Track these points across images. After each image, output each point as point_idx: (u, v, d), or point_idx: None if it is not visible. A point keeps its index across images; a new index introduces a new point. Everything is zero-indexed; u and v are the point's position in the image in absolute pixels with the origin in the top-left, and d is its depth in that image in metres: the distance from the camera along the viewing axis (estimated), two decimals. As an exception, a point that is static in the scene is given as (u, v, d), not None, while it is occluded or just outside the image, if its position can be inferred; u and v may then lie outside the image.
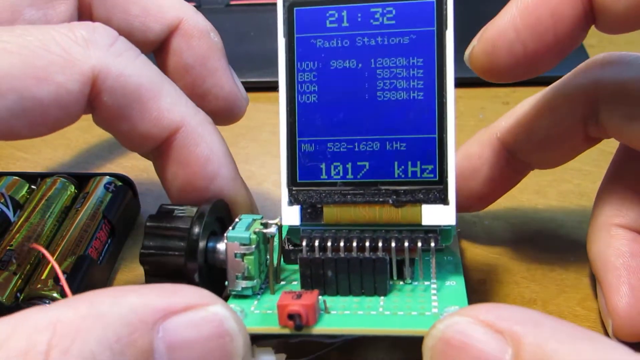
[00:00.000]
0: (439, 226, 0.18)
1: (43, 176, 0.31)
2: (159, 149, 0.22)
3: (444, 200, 0.18)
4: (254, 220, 0.20)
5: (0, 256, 0.26)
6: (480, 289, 0.27)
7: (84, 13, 0.22)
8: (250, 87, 0.41)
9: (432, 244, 0.18)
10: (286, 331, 0.18)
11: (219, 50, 0.24)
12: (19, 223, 0.28)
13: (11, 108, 0.17)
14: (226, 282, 0.20)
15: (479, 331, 0.16)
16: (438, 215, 0.18)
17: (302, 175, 0.19)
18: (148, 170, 0.28)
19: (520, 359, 0.15)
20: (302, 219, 0.19)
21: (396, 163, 0.18)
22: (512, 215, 0.30)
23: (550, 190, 0.27)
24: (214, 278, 0.21)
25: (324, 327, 0.18)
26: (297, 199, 0.19)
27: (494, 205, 0.27)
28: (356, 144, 0.18)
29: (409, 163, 0.18)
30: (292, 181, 0.19)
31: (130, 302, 0.15)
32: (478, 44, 0.21)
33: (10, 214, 0.29)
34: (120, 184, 0.30)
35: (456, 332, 0.16)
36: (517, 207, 0.29)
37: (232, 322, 0.16)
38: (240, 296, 0.20)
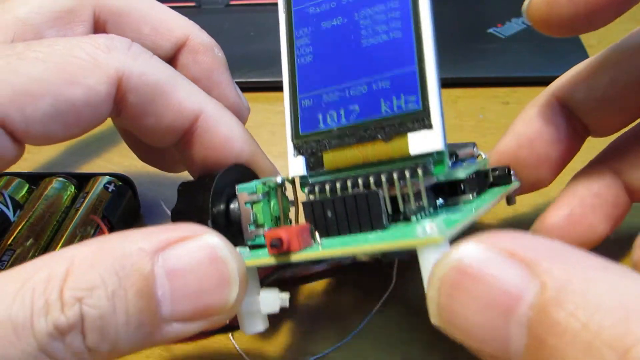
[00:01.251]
0: (427, 153, 0.18)
1: (43, 176, 0.31)
2: (184, 139, 0.23)
3: (428, 126, 0.18)
4: (271, 179, 0.22)
5: (0, 255, 0.26)
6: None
7: (98, 33, 0.23)
8: (250, 87, 0.41)
9: (420, 172, 0.18)
10: (272, 260, 0.19)
11: (223, 64, 0.26)
12: (19, 222, 0.28)
13: (47, 111, 0.18)
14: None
15: (498, 261, 0.14)
16: (424, 141, 0.18)
17: (303, 128, 0.20)
18: (148, 170, 0.28)
19: (545, 295, 0.13)
20: (307, 169, 0.20)
21: (382, 100, 0.19)
22: (512, 215, 0.30)
23: (551, 190, 0.27)
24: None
25: (308, 252, 0.19)
26: (300, 150, 0.20)
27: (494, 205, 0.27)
28: (347, 91, 0.20)
29: (394, 98, 0.19)
30: (295, 135, 0.20)
31: (133, 238, 0.17)
32: None
33: (10, 214, 0.29)
34: (120, 183, 0.30)
35: (472, 261, 0.14)
36: (517, 208, 0.29)
37: (224, 249, 0.17)
38: (257, 246, 0.21)
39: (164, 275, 0.17)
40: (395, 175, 0.18)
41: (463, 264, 0.14)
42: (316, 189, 0.20)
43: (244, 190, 0.20)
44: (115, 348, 0.16)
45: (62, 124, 0.19)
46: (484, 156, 0.24)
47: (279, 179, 0.21)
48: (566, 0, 0.20)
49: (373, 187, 0.19)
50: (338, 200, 0.19)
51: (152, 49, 0.24)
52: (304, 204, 0.20)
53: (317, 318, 0.26)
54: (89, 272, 0.16)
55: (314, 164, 0.20)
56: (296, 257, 0.19)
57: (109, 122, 0.29)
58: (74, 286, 0.16)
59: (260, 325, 0.20)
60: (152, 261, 0.16)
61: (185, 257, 0.17)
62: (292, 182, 0.21)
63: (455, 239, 0.16)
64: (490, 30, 0.46)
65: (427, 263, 0.16)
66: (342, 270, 0.28)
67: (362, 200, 0.18)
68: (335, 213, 0.19)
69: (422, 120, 0.18)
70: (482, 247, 0.14)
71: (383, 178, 0.18)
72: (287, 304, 0.19)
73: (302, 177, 0.21)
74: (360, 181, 0.19)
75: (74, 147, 0.39)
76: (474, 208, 0.20)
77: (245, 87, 0.42)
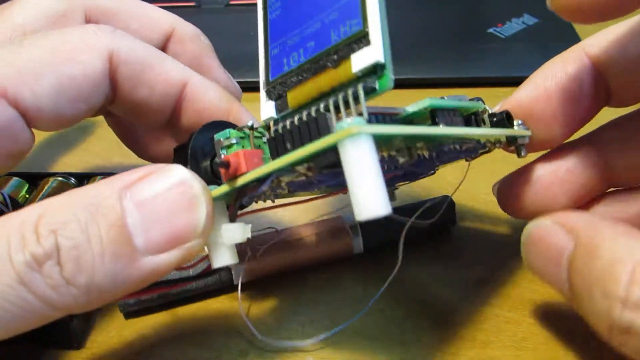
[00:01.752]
0: (369, 68, 0.18)
1: (43, 176, 0.31)
2: (174, 114, 0.25)
3: (368, 42, 0.18)
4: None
5: None
6: (480, 289, 0.27)
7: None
8: (249, 87, 0.41)
9: (361, 89, 0.18)
10: (227, 187, 0.19)
11: (210, 49, 0.28)
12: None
13: (52, 85, 0.20)
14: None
15: (553, 228, 0.21)
16: (364, 57, 0.18)
17: (272, 74, 0.21)
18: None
19: (575, 250, 0.19)
20: (276, 111, 0.21)
21: (332, 31, 0.19)
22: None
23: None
24: None
25: (254, 171, 0.19)
26: (270, 95, 0.21)
27: (494, 206, 0.27)
28: (305, 31, 0.20)
29: (340, 26, 0.19)
30: (265, 82, 0.21)
31: (101, 182, 0.18)
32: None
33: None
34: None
35: (540, 230, 0.21)
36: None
37: (185, 172, 0.19)
38: None
39: (133, 207, 0.18)
40: (340, 95, 0.18)
41: (533, 231, 0.22)
42: (279, 127, 0.20)
43: (219, 137, 0.21)
44: (92, 281, 0.17)
45: (68, 102, 0.21)
46: (489, 110, 0.24)
47: (249, 123, 0.21)
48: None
49: (322, 111, 0.19)
50: (294, 129, 0.19)
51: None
52: (267, 141, 0.20)
53: (322, 302, 0.26)
54: (61, 211, 0.17)
55: (281, 105, 0.21)
56: (244, 178, 0.19)
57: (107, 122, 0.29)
58: (48, 221, 0.17)
59: (227, 257, 0.20)
60: (120, 198, 0.18)
61: (152, 188, 0.18)
62: (267, 126, 0.21)
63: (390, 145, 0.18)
64: (490, 30, 0.46)
65: (346, 157, 0.16)
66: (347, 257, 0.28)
67: (313, 123, 0.18)
68: (293, 143, 0.19)
69: (363, 39, 0.18)
70: (546, 220, 0.21)
71: (330, 102, 0.19)
72: (249, 234, 0.20)
73: (274, 120, 0.21)
74: (312, 110, 0.19)
75: (73, 147, 0.39)
76: (425, 127, 0.20)
77: (245, 87, 0.42)
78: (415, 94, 0.41)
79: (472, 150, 0.24)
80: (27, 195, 0.30)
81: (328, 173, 0.19)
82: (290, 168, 0.18)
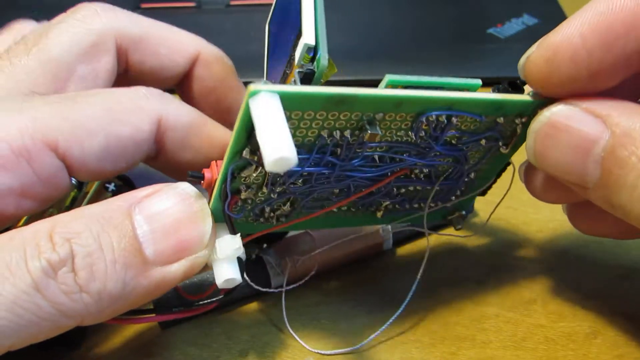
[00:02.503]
0: (302, 53, 0.20)
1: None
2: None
3: (301, 35, 0.20)
4: None
5: None
6: (480, 289, 0.27)
7: (121, 60, 0.25)
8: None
9: (296, 74, 0.20)
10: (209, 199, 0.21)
11: (233, 71, 0.29)
12: (20, 224, 0.28)
13: (101, 145, 0.21)
14: None
15: (580, 115, 0.19)
16: (300, 47, 0.20)
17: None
18: (147, 170, 0.28)
19: (614, 139, 0.18)
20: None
21: (290, 48, 0.22)
22: (513, 215, 0.30)
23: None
24: None
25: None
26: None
27: (494, 205, 0.27)
28: (282, 55, 0.23)
29: (293, 39, 0.21)
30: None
31: (109, 200, 0.19)
32: (537, 50, 0.21)
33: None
34: (120, 183, 0.30)
35: (561, 117, 0.20)
36: (518, 207, 0.29)
37: (191, 188, 0.20)
38: None
39: (142, 220, 0.19)
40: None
41: (553, 119, 0.20)
42: None
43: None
44: (105, 288, 0.18)
45: (112, 159, 0.22)
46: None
47: None
48: (567, 58, 0.20)
49: None
50: None
51: (170, 66, 0.26)
52: None
53: (355, 300, 0.26)
54: (74, 222, 0.18)
55: None
56: (217, 183, 0.20)
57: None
58: (62, 230, 0.18)
59: (227, 271, 0.20)
60: (130, 211, 0.19)
61: (159, 203, 0.19)
62: None
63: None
64: (490, 31, 0.46)
65: (253, 114, 0.17)
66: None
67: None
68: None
69: (299, 36, 0.20)
70: (568, 105, 0.20)
71: None
72: (239, 242, 0.20)
73: None
74: None
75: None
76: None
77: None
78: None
79: (484, 130, 0.22)
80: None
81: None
82: (238, 157, 0.19)
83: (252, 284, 0.25)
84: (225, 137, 0.24)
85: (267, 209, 0.22)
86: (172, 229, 0.19)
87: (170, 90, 0.26)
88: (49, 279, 0.17)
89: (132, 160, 0.23)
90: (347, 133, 0.20)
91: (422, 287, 0.27)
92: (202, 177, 0.20)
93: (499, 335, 0.25)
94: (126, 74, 0.26)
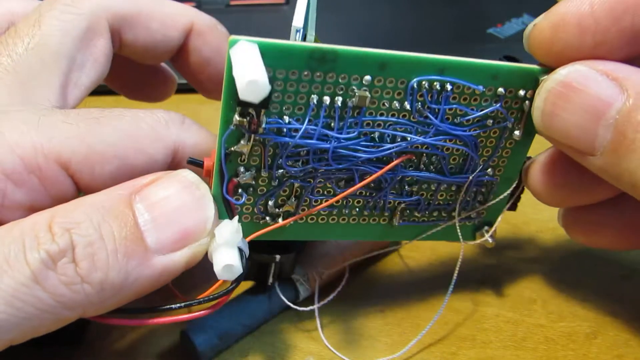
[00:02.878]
0: (293, 37, 0.20)
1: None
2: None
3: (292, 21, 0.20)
4: None
5: None
6: (480, 289, 0.27)
7: (115, 39, 0.25)
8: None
9: None
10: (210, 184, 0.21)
11: (228, 37, 0.27)
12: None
13: (112, 173, 0.20)
14: None
15: (596, 77, 0.19)
16: (292, 31, 0.20)
17: None
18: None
19: (630, 102, 0.18)
20: None
21: None
22: (513, 215, 0.30)
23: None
24: None
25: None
26: None
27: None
28: None
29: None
30: None
31: (108, 189, 0.19)
32: (544, 16, 0.20)
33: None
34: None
35: (577, 76, 0.19)
36: (518, 207, 0.29)
37: (192, 175, 0.20)
38: None
39: (143, 208, 0.19)
40: None
41: (568, 78, 0.19)
42: None
43: None
44: (107, 278, 0.18)
45: (121, 182, 0.21)
46: None
47: None
48: (574, 25, 0.20)
49: None
50: None
51: (164, 41, 0.26)
52: None
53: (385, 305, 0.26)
54: (73, 213, 0.18)
55: None
56: (215, 165, 0.20)
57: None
58: (61, 221, 0.18)
59: (226, 257, 0.19)
60: (130, 202, 0.19)
61: (160, 190, 0.19)
62: None
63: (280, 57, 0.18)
64: (490, 31, 0.46)
65: (232, 58, 0.18)
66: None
67: None
68: None
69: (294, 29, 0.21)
70: (584, 66, 0.19)
71: None
72: (236, 223, 0.20)
73: None
74: None
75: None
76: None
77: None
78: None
79: (486, 104, 0.21)
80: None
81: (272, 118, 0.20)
82: (229, 124, 0.19)
83: (284, 298, 0.25)
84: None
85: (271, 204, 0.22)
86: (173, 217, 0.19)
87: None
88: (48, 271, 0.17)
89: None
90: (338, 100, 0.20)
91: (422, 287, 0.28)
92: (202, 164, 0.20)
93: (499, 335, 0.25)
94: (120, 52, 0.26)
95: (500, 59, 0.22)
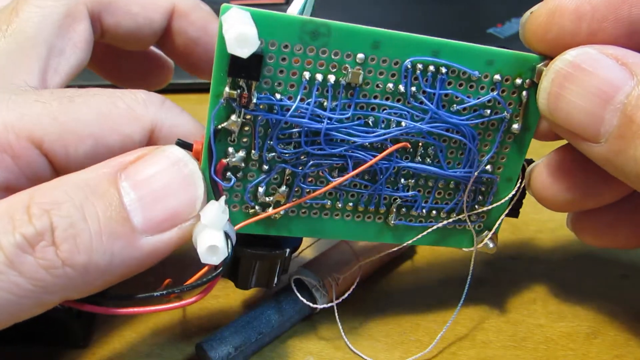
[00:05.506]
0: None
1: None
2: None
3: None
4: None
5: None
6: (480, 289, 0.27)
7: (95, 25, 0.24)
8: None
9: None
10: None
11: (213, 16, 0.27)
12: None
13: (87, 152, 0.20)
14: None
15: (606, 61, 0.19)
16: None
17: None
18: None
19: (639, 87, 0.18)
20: None
21: None
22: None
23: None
24: None
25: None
26: None
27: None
28: None
29: None
30: None
31: (93, 167, 0.18)
32: (541, 4, 0.20)
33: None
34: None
35: (587, 59, 0.19)
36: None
37: (180, 151, 0.19)
38: None
39: (129, 187, 0.18)
40: None
41: (577, 59, 0.19)
42: None
43: None
44: (91, 261, 0.17)
45: (96, 162, 0.20)
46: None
47: None
48: (571, 11, 0.20)
49: None
50: None
51: (147, 24, 0.25)
52: None
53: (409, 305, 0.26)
54: (54, 192, 0.17)
55: None
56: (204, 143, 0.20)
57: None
58: (40, 201, 0.16)
59: (211, 238, 0.18)
60: (115, 180, 0.18)
61: (147, 168, 0.18)
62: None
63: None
64: (490, 30, 0.46)
65: (224, 25, 0.18)
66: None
67: None
68: None
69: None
70: (594, 49, 0.19)
71: None
72: (223, 203, 0.19)
73: None
74: None
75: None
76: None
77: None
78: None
79: (483, 92, 0.21)
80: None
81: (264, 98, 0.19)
82: (220, 98, 0.19)
83: (303, 299, 0.25)
84: None
85: (261, 191, 0.21)
86: (161, 195, 0.18)
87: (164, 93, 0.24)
88: (25, 255, 0.16)
89: None
90: (331, 78, 0.20)
91: (422, 288, 0.28)
92: (191, 146, 0.20)
93: (499, 335, 0.25)
94: (103, 39, 0.25)
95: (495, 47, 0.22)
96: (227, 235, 0.19)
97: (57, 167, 0.20)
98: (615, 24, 0.19)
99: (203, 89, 0.41)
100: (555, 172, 0.23)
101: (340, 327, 0.25)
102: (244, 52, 0.17)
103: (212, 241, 0.18)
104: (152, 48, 0.29)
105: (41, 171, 0.20)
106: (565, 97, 0.19)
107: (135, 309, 0.19)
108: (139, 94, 0.21)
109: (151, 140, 0.21)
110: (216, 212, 0.19)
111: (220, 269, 0.19)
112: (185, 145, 0.19)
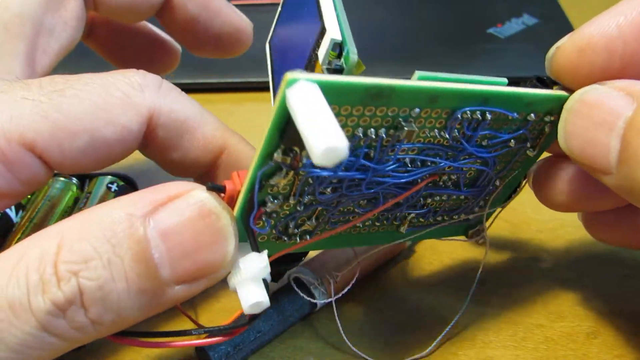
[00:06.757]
0: (327, 50, 0.19)
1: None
2: (206, 171, 0.23)
3: (324, 32, 0.19)
4: None
5: None
6: (480, 289, 0.27)
7: (87, 2, 0.23)
8: (250, 87, 0.41)
9: (324, 70, 0.18)
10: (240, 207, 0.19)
11: None
12: (22, 223, 0.28)
13: (83, 147, 0.19)
14: None
15: (613, 93, 0.19)
16: (325, 44, 0.19)
17: None
18: (149, 168, 0.28)
19: (637, 111, 0.18)
20: None
21: (308, 49, 0.20)
22: (513, 215, 0.30)
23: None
24: None
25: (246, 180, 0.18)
26: None
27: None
28: (295, 60, 0.21)
29: (310, 41, 0.20)
30: None
31: (120, 204, 0.17)
32: (569, 40, 0.20)
33: (12, 214, 0.29)
34: (122, 183, 0.30)
35: (594, 94, 0.19)
36: (518, 207, 0.29)
37: (213, 202, 0.17)
38: None
39: (158, 237, 0.17)
40: None
41: (584, 96, 0.20)
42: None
43: None
44: (120, 317, 0.16)
45: (94, 159, 0.20)
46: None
47: None
48: (602, 47, 0.19)
49: None
50: None
51: (143, 1, 0.24)
52: None
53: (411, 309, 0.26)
54: (81, 243, 0.16)
55: None
56: (242, 194, 0.18)
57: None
58: (68, 259, 0.16)
59: (255, 294, 0.18)
60: (144, 225, 0.16)
61: (176, 217, 0.17)
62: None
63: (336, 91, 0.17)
64: (490, 31, 0.46)
65: (291, 105, 0.16)
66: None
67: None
68: None
69: (322, 34, 0.19)
70: (602, 85, 0.19)
71: None
72: (266, 260, 0.18)
73: None
74: None
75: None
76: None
77: (246, 88, 0.42)
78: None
79: (515, 129, 0.21)
80: (29, 196, 0.30)
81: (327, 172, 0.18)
82: (268, 160, 0.17)
83: (303, 295, 0.24)
84: (222, 141, 0.22)
85: (292, 225, 0.21)
86: (190, 249, 0.17)
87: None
88: (56, 319, 0.16)
89: (117, 157, 0.21)
90: (382, 132, 0.19)
91: (422, 288, 0.28)
92: (223, 190, 0.18)
93: (499, 335, 0.25)
94: (98, 12, 0.24)
95: (532, 82, 0.22)
96: (265, 283, 0.19)
97: (52, 165, 0.19)
98: None
99: (204, 88, 0.41)
100: (555, 174, 0.23)
101: (340, 327, 0.24)
102: (332, 164, 0.15)
103: (257, 298, 0.18)
104: (159, 31, 0.29)
105: (35, 172, 0.19)
106: (575, 132, 0.20)
107: (164, 341, 0.19)
108: (134, 78, 0.20)
109: (149, 127, 0.20)
110: (258, 268, 0.18)
111: (257, 317, 0.19)
112: (216, 188, 0.18)
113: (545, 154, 0.24)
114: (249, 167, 0.18)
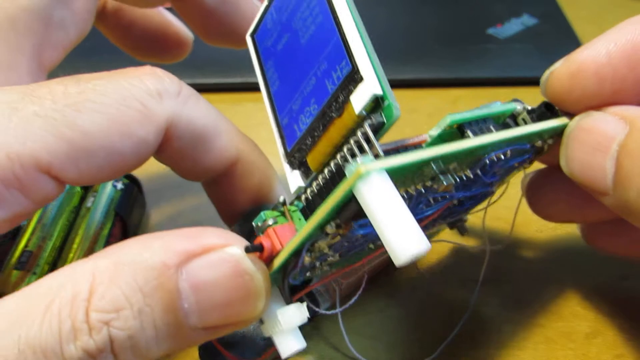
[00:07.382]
0: (371, 104, 0.18)
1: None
2: (217, 179, 0.23)
3: (361, 79, 0.18)
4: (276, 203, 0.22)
5: (18, 257, 0.26)
6: (480, 289, 0.27)
7: None
8: (250, 88, 0.41)
9: (368, 128, 0.17)
10: (280, 261, 0.19)
11: None
12: (30, 224, 0.28)
13: (100, 164, 0.19)
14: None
15: (607, 118, 0.20)
16: (362, 94, 0.17)
17: (289, 145, 0.21)
18: (150, 167, 0.28)
19: (633, 132, 0.19)
20: (303, 179, 0.20)
21: (327, 81, 0.19)
22: (512, 215, 0.30)
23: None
24: None
25: (290, 245, 0.18)
26: (293, 165, 0.20)
27: (494, 206, 0.27)
28: (304, 91, 0.20)
29: (332, 73, 0.19)
30: (285, 154, 0.21)
31: (154, 248, 0.16)
32: (561, 65, 0.21)
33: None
34: (126, 181, 0.31)
35: (589, 120, 0.20)
36: (518, 207, 0.29)
37: (248, 262, 0.17)
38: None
39: (189, 289, 0.16)
40: (352, 142, 0.18)
41: (581, 122, 0.20)
42: (307, 193, 0.19)
43: (256, 222, 0.20)
44: (145, 359, 0.17)
45: (109, 171, 0.19)
46: (528, 107, 0.22)
47: (281, 199, 0.20)
48: (592, 73, 0.20)
49: (340, 163, 0.18)
50: (319, 190, 0.19)
51: None
52: (301, 211, 0.20)
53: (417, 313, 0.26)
54: (112, 290, 0.16)
55: (305, 171, 0.20)
56: (281, 255, 0.18)
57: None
58: (100, 308, 0.16)
59: (293, 343, 0.19)
60: (176, 275, 0.16)
61: (210, 271, 0.17)
62: (299, 196, 0.21)
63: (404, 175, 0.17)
64: (490, 31, 0.46)
65: (364, 201, 0.15)
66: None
67: (332, 178, 0.18)
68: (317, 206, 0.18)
69: (355, 77, 0.18)
70: (597, 112, 0.20)
71: (345, 151, 0.18)
72: (306, 313, 0.19)
73: (303, 188, 0.20)
74: (332, 165, 0.19)
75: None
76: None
77: (245, 88, 0.42)
78: (415, 94, 0.41)
79: (523, 155, 0.22)
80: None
81: (365, 226, 0.17)
82: (320, 231, 0.17)
83: (312, 305, 0.23)
84: (235, 154, 0.22)
85: (318, 264, 0.20)
86: (221, 305, 0.17)
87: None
88: None
89: (131, 168, 0.20)
90: (420, 186, 0.19)
91: (422, 288, 0.28)
92: (262, 249, 0.18)
93: (499, 335, 0.25)
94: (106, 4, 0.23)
95: (541, 110, 0.22)
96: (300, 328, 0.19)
97: (67, 182, 0.19)
98: (636, 82, 0.20)
99: (204, 89, 0.41)
100: (549, 185, 0.24)
101: (342, 328, 0.24)
102: (409, 262, 0.15)
103: (296, 347, 0.18)
104: (172, 18, 0.28)
105: (50, 191, 0.18)
106: (575, 156, 0.20)
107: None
108: (152, 85, 0.19)
109: (165, 137, 0.20)
110: (299, 320, 0.19)
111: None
112: (255, 249, 0.18)
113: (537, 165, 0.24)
114: (296, 232, 0.18)
